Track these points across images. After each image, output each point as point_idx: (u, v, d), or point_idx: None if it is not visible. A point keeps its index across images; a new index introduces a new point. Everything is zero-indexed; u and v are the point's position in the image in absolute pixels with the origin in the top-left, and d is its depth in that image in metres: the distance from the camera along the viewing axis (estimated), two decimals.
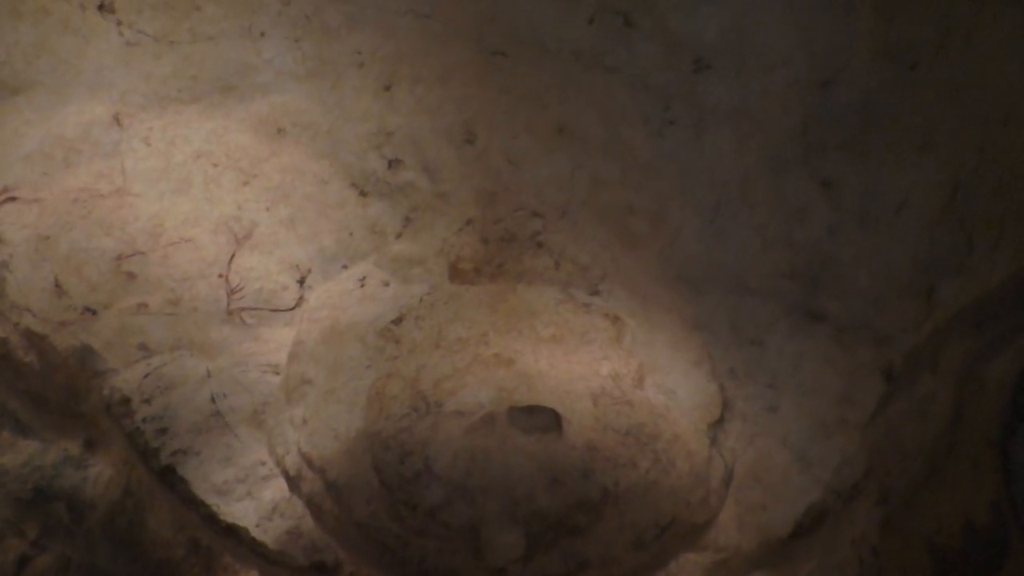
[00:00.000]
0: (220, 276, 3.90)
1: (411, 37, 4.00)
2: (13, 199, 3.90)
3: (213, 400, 3.77)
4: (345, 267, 4.02)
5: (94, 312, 3.81)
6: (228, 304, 3.88)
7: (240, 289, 3.89)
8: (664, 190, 3.96)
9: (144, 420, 3.73)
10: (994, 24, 3.74)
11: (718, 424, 3.76)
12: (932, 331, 3.87)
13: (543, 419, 3.56)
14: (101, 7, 3.98)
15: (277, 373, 3.84)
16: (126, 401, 3.75)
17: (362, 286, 3.96)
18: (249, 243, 3.94)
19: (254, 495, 3.67)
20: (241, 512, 3.65)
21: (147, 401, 3.74)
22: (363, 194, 4.04)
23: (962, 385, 3.97)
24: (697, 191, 3.96)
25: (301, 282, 3.97)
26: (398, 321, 3.86)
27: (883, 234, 3.88)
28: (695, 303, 3.96)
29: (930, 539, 3.86)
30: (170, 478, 3.68)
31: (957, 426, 3.96)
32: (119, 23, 4.00)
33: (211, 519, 3.64)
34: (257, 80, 4.04)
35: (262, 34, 4.02)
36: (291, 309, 3.94)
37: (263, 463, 3.73)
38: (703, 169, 3.95)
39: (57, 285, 3.80)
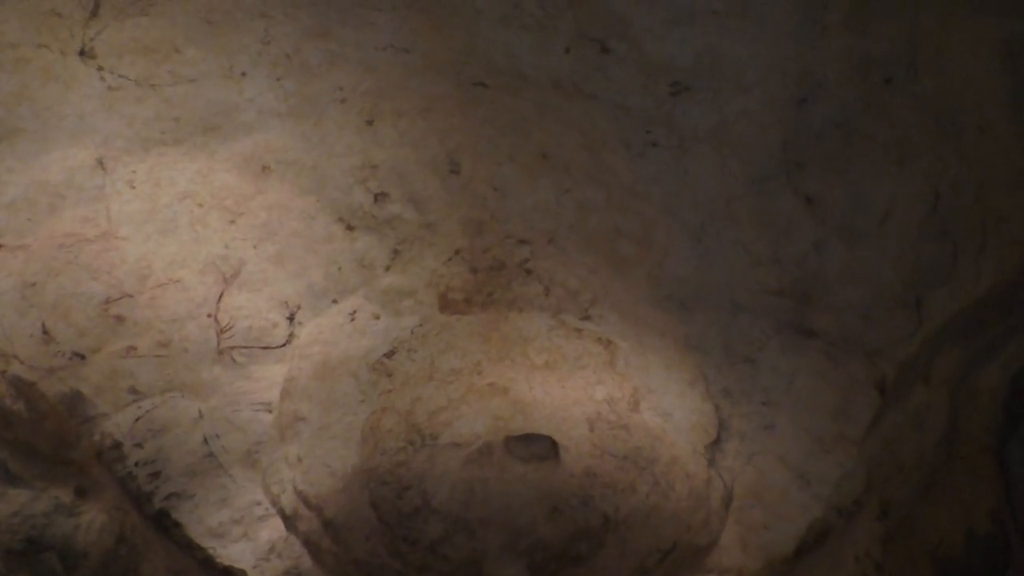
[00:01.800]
0: (209, 316, 3.76)
1: (391, 72, 3.91)
2: None
3: (206, 441, 3.63)
4: (335, 302, 3.87)
5: (83, 357, 3.66)
6: (218, 344, 3.73)
7: (230, 328, 3.74)
8: (649, 212, 3.86)
9: (136, 464, 3.60)
10: (960, 36, 3.76)
11: (715, 444, 3.64)
12: (922, 342, 3.80)
13: (540, 447, 3.41)
14: (81, 53, 3.87)
15: (270, 411, 3.70)
16: (117, 446, 3.62)
17: (352, 320, 3.80)
18: (237, 282, 3.80)
19: (251, 536, 3.53)
20: (238, 554, 3.51)
21: (139, 445, 3.60)
22: (350, 228, 3.90)
23: (955, 394, 3.88)
24: (682, 212, 3.87)
25: (291, 318, 3.83)
26: (390, 354, 3.70)
27: (868, 247, 3.82)
28: (686, 323, 3.84)
29: (933, 551, 3.75)
30: (164, 523, 3.56)
31: (952, 435, 3.87)
32: (100, 68, 3.89)
33: (208, 563, 3.51)
34: (240, 119, 3.92)
35: (243, 74, 3.91)
36: (282, 346, 3.79)
37: (259, 503, 3.59)
38: (687, 190, 3.87)
39: (45, 331, 3.66)
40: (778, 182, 3.82)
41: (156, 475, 3.55)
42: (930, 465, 3.80)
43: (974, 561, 3.75)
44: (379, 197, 3.92)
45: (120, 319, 3.69)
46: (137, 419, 3.63)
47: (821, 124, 3.80)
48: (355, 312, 3.84)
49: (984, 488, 3.83)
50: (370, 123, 3.91)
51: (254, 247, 3.85)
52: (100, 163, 3.85)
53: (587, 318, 3.85)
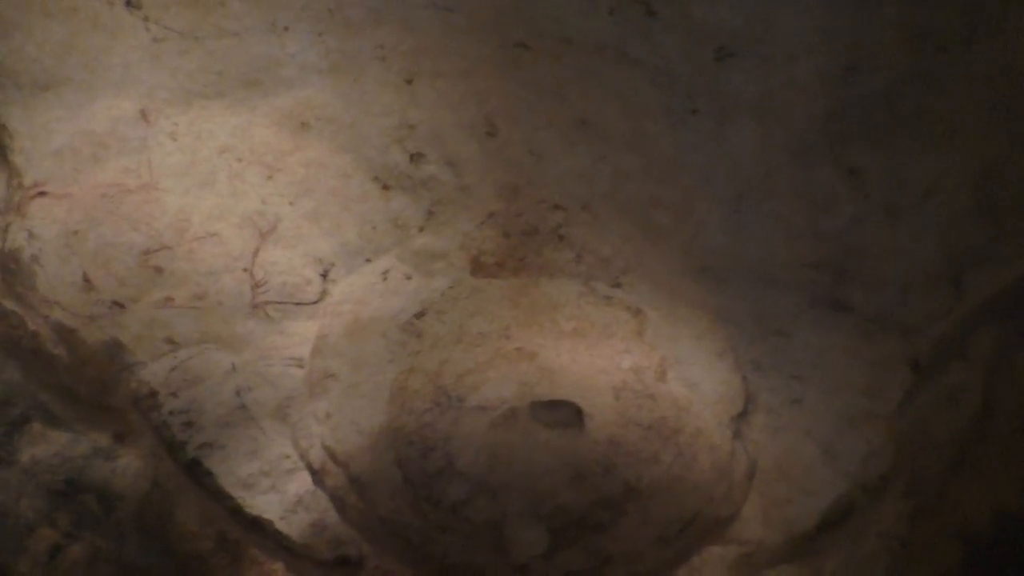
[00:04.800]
0: (245, 270, 3.77)
1: (433, 31, 3.82)
2: (43, 194, 3.80)
3: (238, 394, 3.66)
4: (368, 261, 3.87)
5: (122, 306, 3.71)
6: (252, 298, 3.75)
7: (264, 283, 3.74)
8: (687, 182, 3.77)
9: (171, 413, 3.65)
10: (1020, 7, 3.51)
11: (741, 417, 3.60)
12: (960, 320, 3.69)
13: (565, 414, 3.39)
14: (128, 3, 3.85)
15: (301, 367, 3.71)
16: (153, 394, 3.67)
17: (385, 280, 3.79)
18: (273, 237, 3.80)
19: (279, 488, 3.56)
20: (266, 505, 3.55)
21: (174, 394, 3.65)
22: (386, 188, 3.87)
23: (992, 373, 3.76)
24: (720, 182, 3.78)
25: (324, 276, 3.83)
26: (420, 315, 3.69)
27: (910, 223, 3.69)
28: (719, 295, 3.77)
29: (960, 529, 3.68)
30: (196, 471, 3.61)
31: (987, 414, 3.75)
32: (146, 19, 3.84)
33: (237, 512, 3.56)
34: (281, 75, 3.88)
35: (286, 28, 3.85)
36: (314, 303, 3.80)
37: (287, 456, 3.62)
38: (726, 160, 3.76)
39: (86, 279, 3.70)
40: (820, 154, 3.70)
41: (190, 424, 3.60)
42: (962, 443, 3.72)
43: (1002, 539, 3.67)
44: (415, 157, 3.87)
45: (159, 270, 3.71)
46: (172, 369, 3.67)
47: (869, 95, 3.65)
48: (387, 272, 3.82)
49: (1016, 467, 3.74)
50: (409, 82, 3.85)
51: (291, 203, 3.84)
52: (143, 114, 3.84)
53: (618, 286, 3.80)
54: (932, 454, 3.70)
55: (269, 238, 3.81)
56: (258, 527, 3.52)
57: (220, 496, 3.55)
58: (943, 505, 3.71)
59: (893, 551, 3.58)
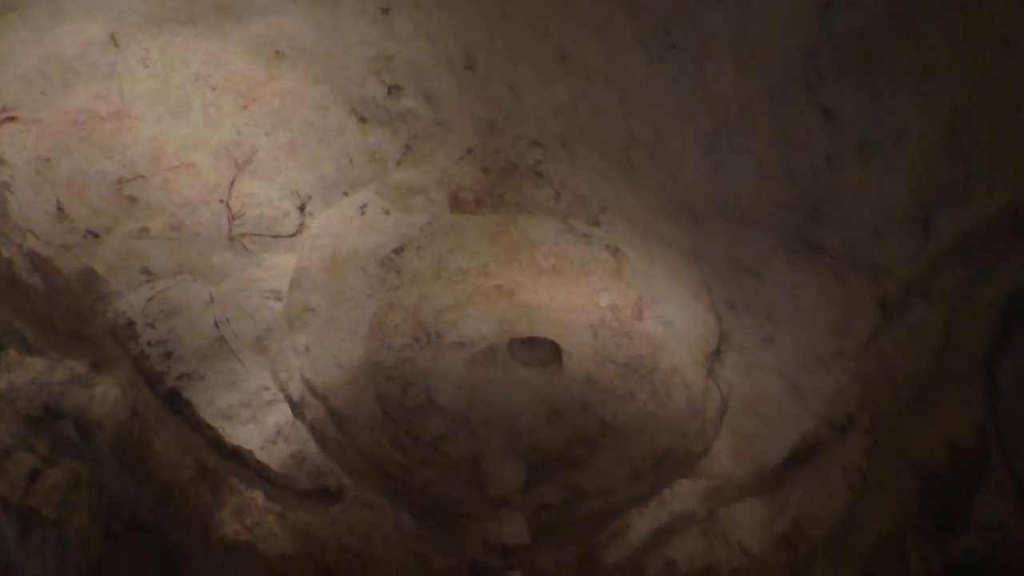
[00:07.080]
0: (221, 202, 3.65)
1: None
2: (12, 119, 3.61)
3: (216, 325, 3.56)
4: (346, 194, 3.73)
5: (96, 235, 3.59)
6: (229, 230, 3.63)
7: (241, 215, 3.60)
8: (664, 119, 3.63)
9: (149, 344, 3.56)
10: None
11: (715, 355, 3.55)
12: (928, 261, 3.62)
13: (543, 351, 3.31)
14: None
15: (279, 299, 3.62)
16: (131, 324, 3.58)
17: (363, 214, 3.65)
18: (249, 169, 3.65)
19: (259, 419, 3.50)
20: (246, 435, 3.50)
21: (151, 325, 3.54)
22: (363, 121, 3.69)
23: (952, 310, 3.68)
24: (697, 119, 3.65)
25: (302, 209, 3.70)
26: (399, 251, 3.57)
27: (882, 163, 3.60)
28: (694, 234, 3.68)
29: (916, 462, 3.69)
30: (176, 401, 3.55)
31: (946, 351, 3.68)
32: None
33: (217, 442, 3.51)
34: (254, 1, 3.61)
35: None
36: (292, 235, 3.68)
37: (267, 388, 3.56)
38: (703, 97, 3.63)
39: (59, 208, 3.57)
40: (796, 92, 3.57)
41: (168, 355, 3.50)
42: (922, 380, 3.68)
43: (955, 471, 3.68)
44: (393, 90, 3.68)
45: (133, 200, 3.57)
46: (150, 299, 3.56)
47: (844, 34, 3.52)
48: (365, 206, 3.67)
49: (972, 402, 3.73)
50: (386, 12, 3.63)
51: (266, 135, 3.67)
52: (113, 39, 3.61)
53: (596, 224, 3.70)
54: (893, 391, 3.68)
55: (245, 169, 3.64)
56: (238, 457, 3.46)
57: (200, 426, 3.50)
58: (901, 439, 3.71)
59: (855, 486, 3.57)
